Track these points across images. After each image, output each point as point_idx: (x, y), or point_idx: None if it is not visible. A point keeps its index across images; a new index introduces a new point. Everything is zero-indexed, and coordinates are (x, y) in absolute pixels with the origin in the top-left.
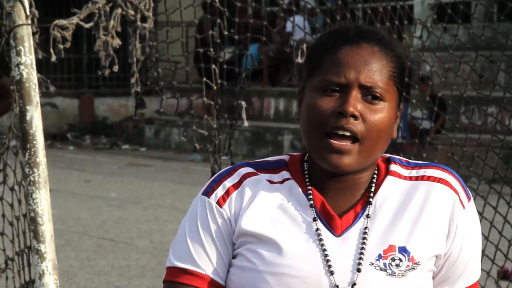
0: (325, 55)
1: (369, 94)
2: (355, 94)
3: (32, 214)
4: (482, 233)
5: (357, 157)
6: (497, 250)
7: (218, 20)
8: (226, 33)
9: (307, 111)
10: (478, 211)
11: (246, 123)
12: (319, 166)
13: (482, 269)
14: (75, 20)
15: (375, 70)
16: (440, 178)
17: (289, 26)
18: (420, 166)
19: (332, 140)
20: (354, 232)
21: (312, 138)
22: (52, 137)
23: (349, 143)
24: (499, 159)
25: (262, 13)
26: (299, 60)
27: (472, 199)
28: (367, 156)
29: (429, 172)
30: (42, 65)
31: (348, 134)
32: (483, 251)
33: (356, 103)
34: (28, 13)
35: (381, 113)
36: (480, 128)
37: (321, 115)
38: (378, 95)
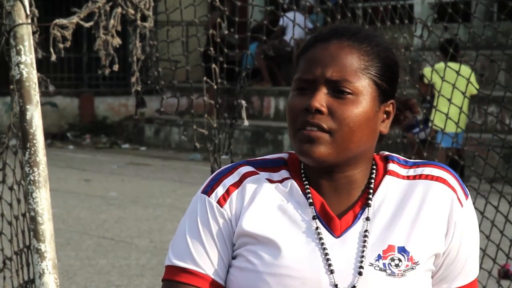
0: (302, 55)
1: (337, 89)
2: (323, 89)
3: (32, 213)
4: (484, 233)
5: (329, 148)
6: (498, 250)
7: (218, 20)
8: (226, 32)
9: (286, 111)
10: (479, 211)
11: (246, 123)
12: (311, 166)
13: (483, 269)
14: (75, 19)
15: (343, 64)
16: (437, 177)
17: (285, 23)
18: (417, 165)
19: (303, 130)
20: (353, 233)
21: (290, 135)
22: (52, 136)
23: (319, 132)
24: (500, 159)
25: (263, 12)
26: None
27: (469, 196)
28: (342, 148)
29: (427, 170)
30: (42, 65)
31: (315, 129)
32: (484, 251)
33: (322, 98)
34: (28, 12)
35: (351, 107)
36: (480, 127)
37: (293, 113)
38: (346, 89)
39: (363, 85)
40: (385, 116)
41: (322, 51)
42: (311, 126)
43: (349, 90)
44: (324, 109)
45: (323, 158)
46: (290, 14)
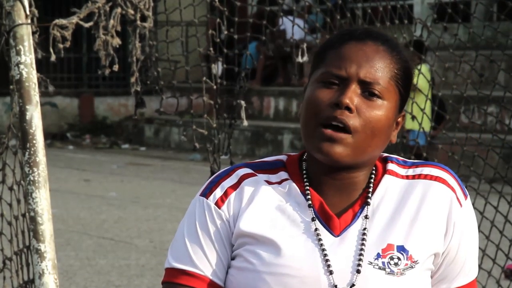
0: (330, 49)
1: (368, 90)
2: (354, 88)
3: (32, 214)
4: (483, 233)
5: (349, 149)
6: (498, 250)
7: (218, 20)
8: (226, 32)
9: (306, 102)
10: (479, 211)
11: (245, 123)
12: (316, 164)
13: (483, 269)
14: (75, 19)
15: (377, 68)
16: (437, 177)
17: (284, 26)
18: (417, 165)
19: (325, 129)
20: (353, 232)
21: (307, 128)
22: (52, 137)
23: (341, 133)
24: (500, 159)
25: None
26: (299, 59)
27: (468, 196)
28: (360, 151)
29: (426, 170)
30: (42, 65)
31: (341, 125)
32: (484, 251)
33: (353, 97)
34: (28, 12)
35: (378, 111)
36: (480, 127)
37: (318, 105)
38: (377, 92)
39: (390, 91)
40: (395, 126)
41: (358, 50)
42: (337, 122)
43: (378, 93)
44: (353, 107)
45: (341, 159)
46: (291, 17)
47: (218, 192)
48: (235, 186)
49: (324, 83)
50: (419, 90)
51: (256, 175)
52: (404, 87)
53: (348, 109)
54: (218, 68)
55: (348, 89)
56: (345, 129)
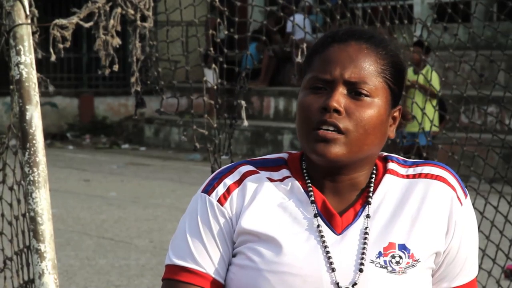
0: (316, 54)
1: (355, 90)
2: (341, 90)
3: (32, 214)
4: (484, 233)
5: (344, 148)
6: (498, 250)
7: (218, 20)
8: (226, 32)
9: (298, 109)
10: (479, 211)
11: (246, 123)
12: (315, 166)
13: (483, 269)
14: (75, 19)
15: (362, 67)
16: (437, 176)
17: (289, 27)
18: (417, 164)
19: (318, 130)
20: (354, 231)
21: (302, 133)
22: (52, 137)
23: (334, 133)
24: (500, 159)
25: (267, 14)
26: (299, 59)
27: (468, 195)
28: (355, 150)
29: (426, 169)
30: (41, 65)
31: (332, 129)
32: (484, 251)
33: (340, 99)
34: (28, 12)
35: (368, 109)
36: (480, 127)
37: (308, 111)
38: (364, 91)
39: (379, 88)
40: (392, 121)
41: (341, 52)
42: (328, 126)
43: (366, 92)
44: (342, 110)
45: (337, 158)
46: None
47: (220, 189)
48: (237, 183)
49: (312, 88)
50: (433, 89)
51: (259, 172)
52: (395, 81)
53: (337, 111)
54: (214, 75)
55: (334, 92)
56: (338, 131)
